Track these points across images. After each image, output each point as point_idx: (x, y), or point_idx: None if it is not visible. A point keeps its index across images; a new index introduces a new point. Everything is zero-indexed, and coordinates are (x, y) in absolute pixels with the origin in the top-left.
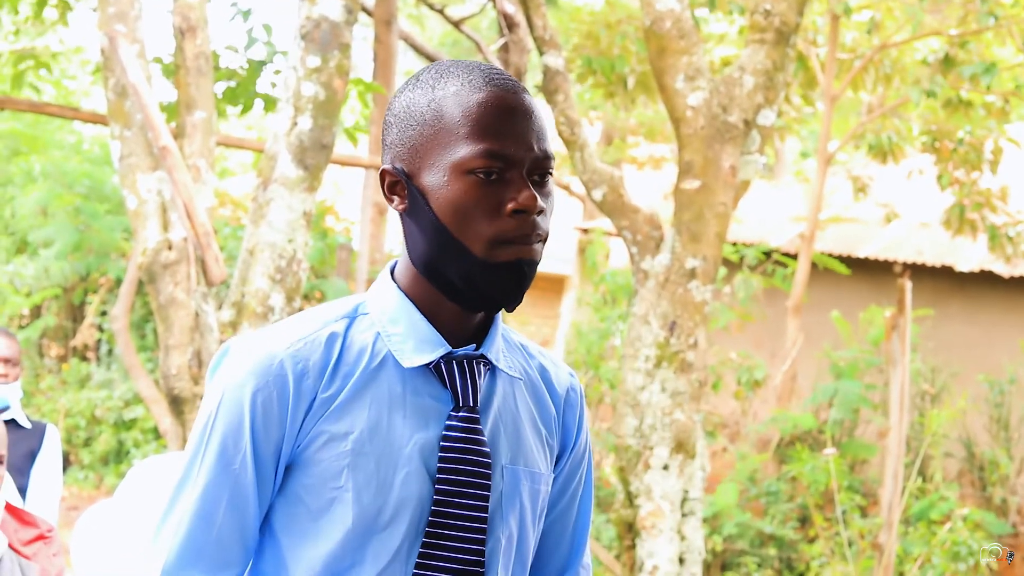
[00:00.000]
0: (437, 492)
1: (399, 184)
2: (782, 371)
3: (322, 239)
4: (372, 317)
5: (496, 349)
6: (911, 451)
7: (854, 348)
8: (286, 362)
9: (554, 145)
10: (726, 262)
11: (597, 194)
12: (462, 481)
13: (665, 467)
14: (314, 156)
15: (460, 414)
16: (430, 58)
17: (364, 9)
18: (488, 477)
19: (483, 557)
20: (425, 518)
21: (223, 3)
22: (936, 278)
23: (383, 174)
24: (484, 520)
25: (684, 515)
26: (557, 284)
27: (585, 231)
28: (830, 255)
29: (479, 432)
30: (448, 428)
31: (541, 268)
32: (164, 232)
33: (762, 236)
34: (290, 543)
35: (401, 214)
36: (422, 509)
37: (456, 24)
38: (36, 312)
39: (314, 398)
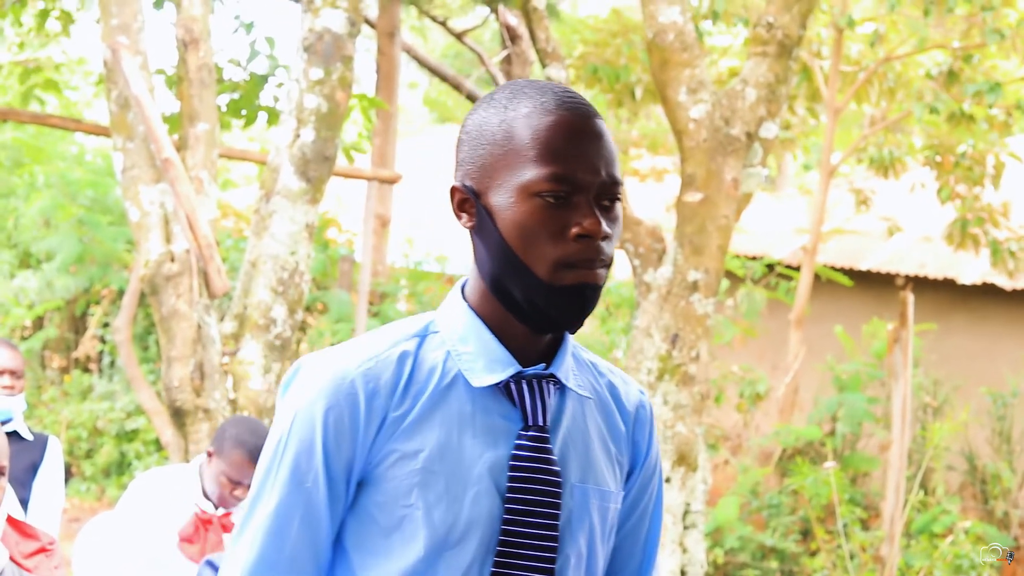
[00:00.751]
0: (507, 511)
1: (468, 202)
2: (784, 384)
3: (324, 251)
4: (442, 335)
5: (566, 368)
6: (913, 464)
7: (856, 361)
8: (357, 381)
9: (620, 170)
10: (729, 275)
11: None
12: (532, 500)
13: (667, 480)
14: (317, 168)
15: (530, 433)
16: (432, 70)
17: (367, 21)
18: (558, 496)
19: (552, 575)
20: (495, 536)
21: (226, 16)
22: (938, 291)
23: (453, 191)
24: (555, 539)
25: (686, 528)
26: None
27: None
28: (832, 268)
29: (549, 451)
30: (518, 447)
31: None
32: (166, 244)
33: (764, 248)
34: (361, 560)
35: (470, 232)
36: (492, 528)
37: (459, 36)
38: (38, 324)
39: (385, 417)
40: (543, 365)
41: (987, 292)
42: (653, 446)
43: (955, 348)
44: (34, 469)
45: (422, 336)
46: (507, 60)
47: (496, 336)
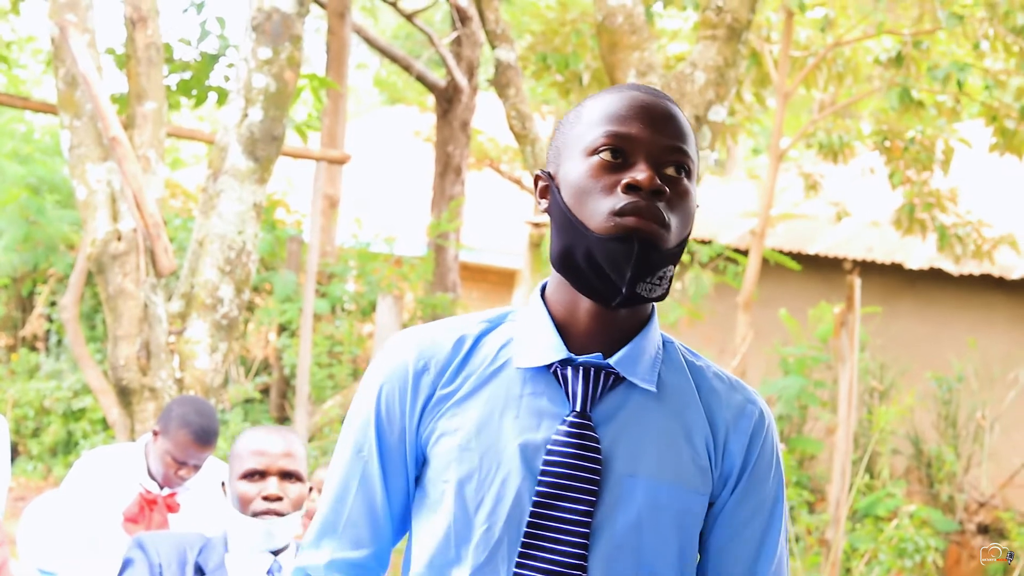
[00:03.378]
0: (538, 493)
1: (547, 187)
2: (732, 367)
3: (272, 231)
4: (514, 324)
5: (632, 361)
6: (859, 448)
7: (803, 345)
8: (410, 358)
9: (693, 151)
10: None
11: None
12: (565, 484)
13: None
14: (265, 148)
15: (571, 418)
16: (382, 51)
17: (317, 1)
18: (596, 483)
19: (585, 562)
20: (526, 519)
21: None
22: (886, 276)
23: (535, 179)
24: (587, 525)
25: None
26: (508, 278)
27: (537, 225)
28: (781, 252)
29: (591, 438)
30: (557, 431)
31: (491, 262)
32: (113, 223)
33: (713, 232)
34: (417, 532)
35: (548, 215)
36: (521, 509)
37: (409, 17)
38: None
39: (432, 393)
40: (600, 355)
41: (934, 277)
42: (760, 455)
43: (902, 332)
44: None
45: (494, 323)
46: (457, 41)
47: (561, 323)
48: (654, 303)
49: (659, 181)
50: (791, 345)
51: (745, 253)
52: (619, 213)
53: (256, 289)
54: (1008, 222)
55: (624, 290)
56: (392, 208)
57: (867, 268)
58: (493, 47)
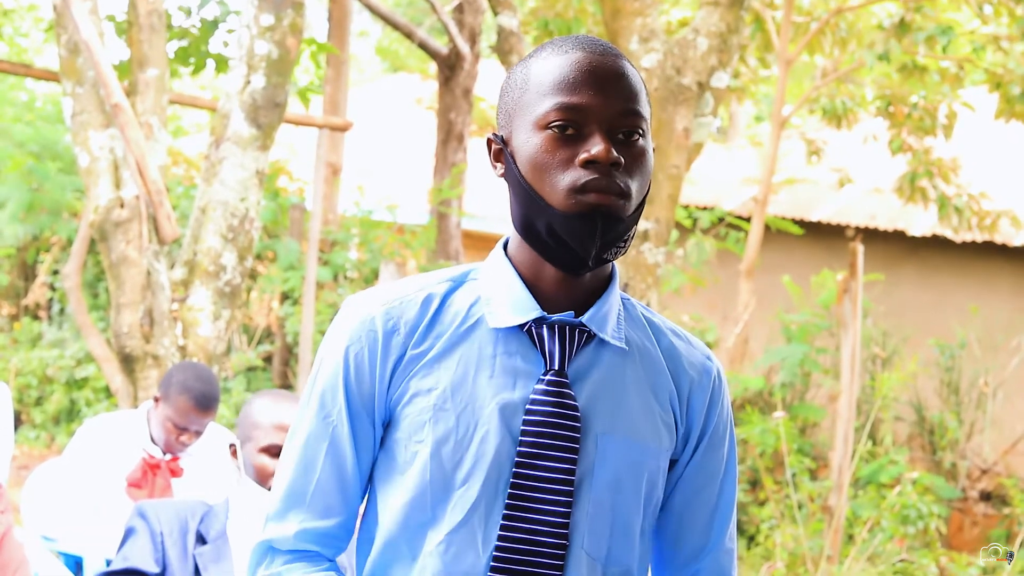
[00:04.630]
0: (519, 453)
1: (501, 151)
2: (734, 334)
3: (275, 199)
4: (479, 283)
5: (601, 319)
6: (861, 415)
7: (806, 312)
8: (378, 319)
9: (645, 107)
10: (679, 225)
11: None
12: (546, 444)
13: None
14: (267, 115)
15: (548, 377)
16: (384, 18)
17: None
18: (576, 441)
19: (568, 520)
20: (505, 478)
21: None
22: (888, 242)
23: (488, 143)
24: (570, 483)
25: None
26: None
27: None
28: (783, 218)
29: (568, 396)
30: (535, 391)
31: (487, 228)
32: (116, 190)
33: (715, 199)
34: (382, 494)
35: (504, 180)
36: (500, 468)
37: None
38: None
39: (403, 354)
40: (572, 313)
41: (937, 244)
42: (719, 413)
43: (904, 299)
44: None
45: (457, 282)
46: (459, 8)
47: (529, 283)
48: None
49: (615, 153)
50: (794, 312)
51: (747, 220)
52: (580, 190)
53: (259, 257)
54: (1010, 193)
55: (583, 263)
56: (394, 176)
57: (869, 235)
58: (495, 14)
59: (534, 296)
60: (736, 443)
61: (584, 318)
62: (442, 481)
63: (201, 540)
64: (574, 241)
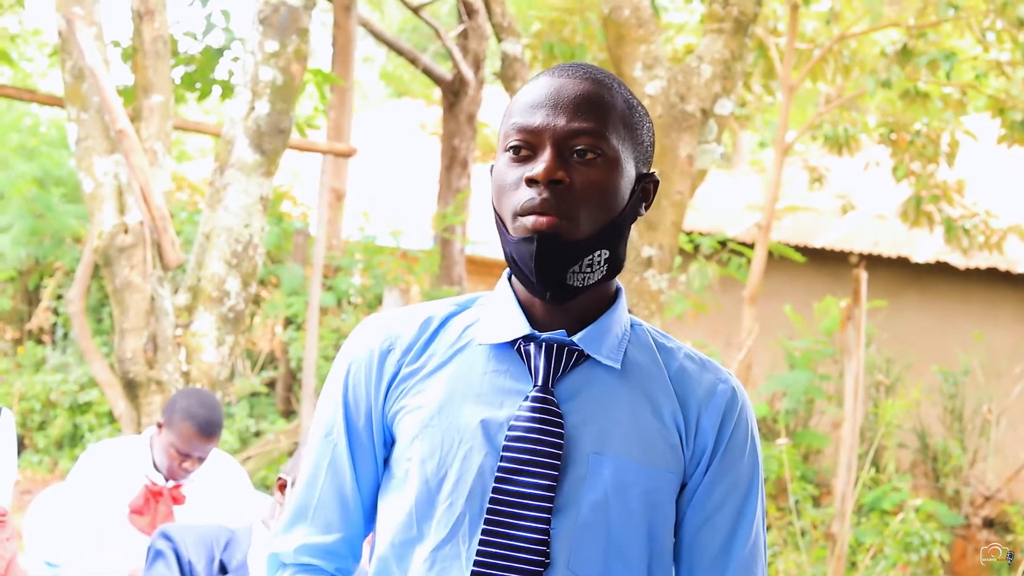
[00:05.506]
0: (500, 468)
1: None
2: (737, 360)
3: (279, 224)
4: (482, 307)
5: (595, 339)
6: (865, 441)
7: (809, 338)
8: (376, 339)
9: (610, 127)
10: (682, 251)
11: None
12: (527, 460)
13: None
14: (271, 141)
15: (533, 394)
16: (388, 44)
17: None
18: (558, 457)
19: (547, 537)
20: (488, 494)
21: None
22: (892, 269)
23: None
24: (550, 500)
25: None
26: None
27: None
28: (786, 245)
29: (552, 413)
30: (520, 407)
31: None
32: (120, 216)
33: (719, 225)
34: (382, 511)
35: None
36: (484, 484)
37: (415, 10)
38: None
39: (397, 372)
40: (564, 332)
41: (940, 270)
42: (734, 434)
43: (908, 326)
44: None
45: (463, 306)
46: (463, 34)
47: (525, 306)
48: (618, 285)
49: (559, 172)
50: (796, 339)
51: (751, 246)
52: (521, 213)
53: (262, 282)
54: (1015, 214)
55: (543, 287)
56: (398, 201)
57: (873, 261)
58: (499, 40)
59: (530, 316)
60: (761, 470)
61: (576, 337)
62: (427, 498)
63: (223, 569)
64: (523, 265)
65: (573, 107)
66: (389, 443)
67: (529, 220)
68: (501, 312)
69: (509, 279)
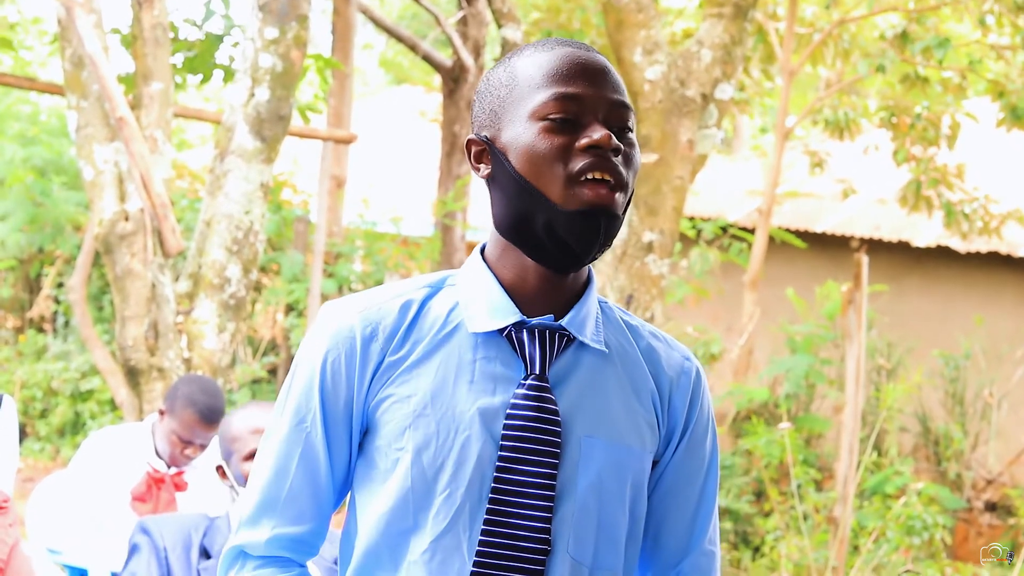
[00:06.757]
0: (500, 458)
1: (484, 151)
2: (738, 345)
3: (279, 212)
4: (456, 289)
5: (580, 322)
6: (866, 426)
7: (810, 323)
8: (356, 325)
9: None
10: (682, 236)
11: None
12: (527, 448)
13: None
14: (271, 128)
15: (529, 381)
16: (388, 31)
17: None
18: (557, 445)
19: (550, 524)
20: (488, 484)
21: None
22: (893, 253)
23: (468, 144)
24: (552, 487)
25: None
26: None
27: None
28: (787, 230)
29: (548, 400)
30: (515, 395)
31: None
32: (121, 203)
33: (719, 210)
34: (362, 502)
35: (487, 182)
36: (482, 474)
37: None
38: None
39: (381, 360)
40: (552, 317)
41: (941, 254)
42: (698, 413)
43: (909, 310)
44: None
45: (435, 288)
46: (463, 21)
47: (511, 287)
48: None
49: (616, 140)
50: (797, 323)
51: (751, 231)
52: (580, 178)
53: (263, 269)
54: (1016, 198)
55: (573, 261)
56: (399, 188)
57: (874, 246)
58: (499, 26)
59: (515, 299)
60: (719, 446)
61: (564, 321)
62: (424, 487)
63: (205, 554)
64: (574, 239)
65: (606, 80)
66: (364, 431)
67: (592, 194)
68: (485, 296)
69: (483, 258)
